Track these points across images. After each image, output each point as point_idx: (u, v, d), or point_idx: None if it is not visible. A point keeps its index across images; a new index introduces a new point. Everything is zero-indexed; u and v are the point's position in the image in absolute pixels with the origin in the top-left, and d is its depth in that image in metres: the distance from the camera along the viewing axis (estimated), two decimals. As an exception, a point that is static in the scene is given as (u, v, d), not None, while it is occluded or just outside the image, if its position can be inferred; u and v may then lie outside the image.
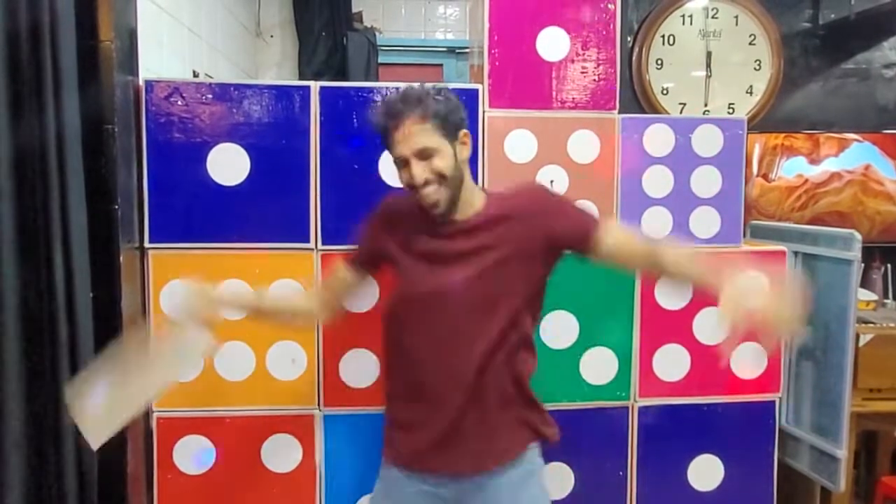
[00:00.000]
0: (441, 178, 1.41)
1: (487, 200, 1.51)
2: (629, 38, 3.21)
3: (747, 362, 2.06)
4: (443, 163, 1.41)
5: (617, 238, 1.47)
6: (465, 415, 1.45)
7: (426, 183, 1.41)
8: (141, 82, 1.82)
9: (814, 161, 3.20)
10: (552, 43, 1.97)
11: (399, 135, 1.41)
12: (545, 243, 1.46)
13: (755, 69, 3.22)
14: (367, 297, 1.88)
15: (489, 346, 1.43)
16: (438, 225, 1.48)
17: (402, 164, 1.44)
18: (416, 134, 1.39)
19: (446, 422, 1.45)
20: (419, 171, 1.40)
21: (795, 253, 2.28)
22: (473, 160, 1.92)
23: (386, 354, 1.60)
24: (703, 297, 2.02)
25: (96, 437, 1.38)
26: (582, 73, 1.98)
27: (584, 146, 1.98)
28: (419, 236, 1.50)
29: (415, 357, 1.49)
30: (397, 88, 1.86)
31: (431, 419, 1.47)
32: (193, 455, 1.88)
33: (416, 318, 1.48)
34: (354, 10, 3.83)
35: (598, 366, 2.01)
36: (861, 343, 2.43)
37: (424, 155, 1.40)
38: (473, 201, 1.49)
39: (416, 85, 1.45)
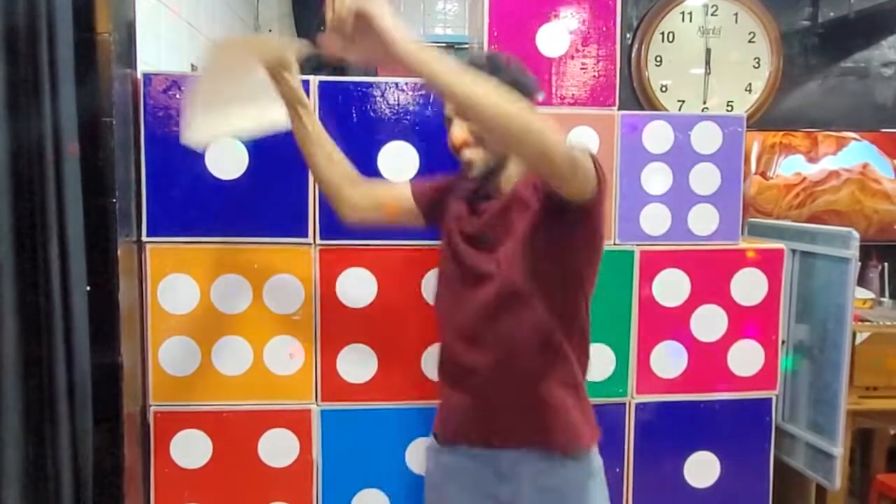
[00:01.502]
0: (480, 138, 1.37)
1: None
2: (628, 35, 3.21)
3: (744, 359, 2.07)
4: None
5: None
6: None
7: (464, 144, 1.38)
8: (139, 75, 1.81)
9: (812, 159, 3.20)
10: (552, 39, 1.96)
11: None
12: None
13: (754, 67, 3.23)
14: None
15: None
16: (477, 202, 1.48)
17: (448, 122, 1.41)
18: None
19: None
20: (458, 130, 1.38)
21: (793, 251, 2.28)
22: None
23: None
24: (701, 295, 2.04)
25: (193, 137, 1.44)
26: (581, 69, 1.98)
27: (583, 142, 1.97)
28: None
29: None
30: (396, 84, 1.89)
31: None
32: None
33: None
34: (353, 4, 3.82)
35: (596, 362, 2.00)
36: (858, 341, 2.44)
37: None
38: (513, 178, 1.47)
39: (497, 53, 1.39)
